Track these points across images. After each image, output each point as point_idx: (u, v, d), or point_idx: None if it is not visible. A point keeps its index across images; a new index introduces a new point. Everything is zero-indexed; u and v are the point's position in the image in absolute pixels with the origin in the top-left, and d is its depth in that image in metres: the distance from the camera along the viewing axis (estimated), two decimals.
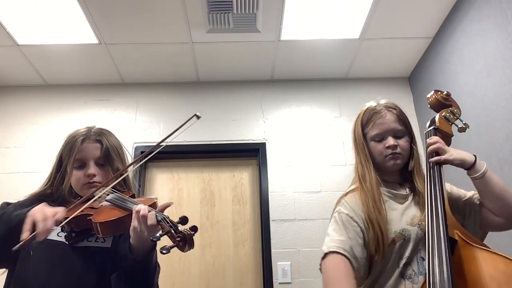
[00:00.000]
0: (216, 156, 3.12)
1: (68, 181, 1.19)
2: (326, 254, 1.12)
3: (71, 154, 1.19)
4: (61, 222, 0.98)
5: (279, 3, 2.50)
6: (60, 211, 0.98)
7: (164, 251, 0.87)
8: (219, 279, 2.77)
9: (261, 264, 2.78)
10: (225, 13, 2.54)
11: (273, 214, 2.85)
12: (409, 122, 1.29)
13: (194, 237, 0.94)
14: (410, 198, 1.23)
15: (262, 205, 2.89)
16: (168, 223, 0.96)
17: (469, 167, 1.14)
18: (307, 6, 2.52)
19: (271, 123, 3.17)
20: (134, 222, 0.98)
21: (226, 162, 3.13)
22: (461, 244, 1.04)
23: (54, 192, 1.21)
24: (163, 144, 1.18)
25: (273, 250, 2.73)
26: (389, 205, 1.20)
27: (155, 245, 1.04)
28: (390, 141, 1.22)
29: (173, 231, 0.93)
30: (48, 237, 1.09)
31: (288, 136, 3.12)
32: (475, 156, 1.16)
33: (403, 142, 1.24)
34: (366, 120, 1.28)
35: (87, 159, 1.20)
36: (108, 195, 1.14)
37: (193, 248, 0.93)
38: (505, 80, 2.07)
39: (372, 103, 1.32)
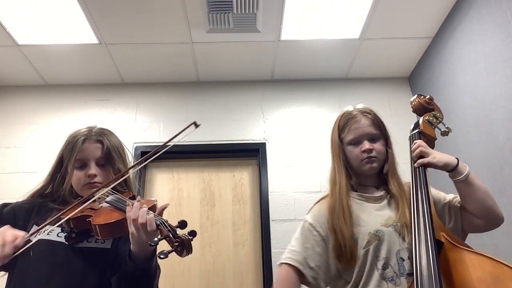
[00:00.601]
0: (216, 156, 3.12)
1: (68, 181, 1.18)
2: (280, 264, 1.22)
3: (72, 154, 1.19)
4: (21, 248, 0.96)
5: (279, 3, 2.50)
6: (20, 235, 0.96)
7: (162, 256, 0.87)
8: (219, 279, 2.77)
9: (261, 264, 2.78)
10: (225, 13, 2.54)
11: (273, 214, 2.85)
12: (384, 126, 1.32)
13: (192, 242, 0.93)
14: (385, 200, 1.25)
15: (262, 205, 2.89)
16: (166, 227, 0.94)
17: (452, 170, 1.16)
18: (307, 6, 2.52)
19: (271, 123, 3.17)
20: (131, 228, 0.97)
21: (226, 162, 3.13)
22: (448, 246, 1.05)
23: (54, 192, 1.21)
24: (161, 150, 1.18)
25: (273, 250, 2.73)
26: (362, 208, 1.22)
27: (155, 251, 1.03)
28: (366, 145, 1.25)
29: (171, 236, 0.92)
30: (48, 238, 1.09)
31: (288, 136, 3.12)
32: (457, 159, 1.17)
33: (378, 146, 1.27)
34: (342, 125, 1.32)
35: (88, 159, 1.20)
36: (108, 196, 1.13)
37: (191, 253, 0.92)
38: (505, 80, 2.07)
39: (348, 108, 1.35)
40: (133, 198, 1.16)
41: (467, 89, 2.42)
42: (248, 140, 3.10)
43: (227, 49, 2.93)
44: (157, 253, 0.90)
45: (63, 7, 2.46)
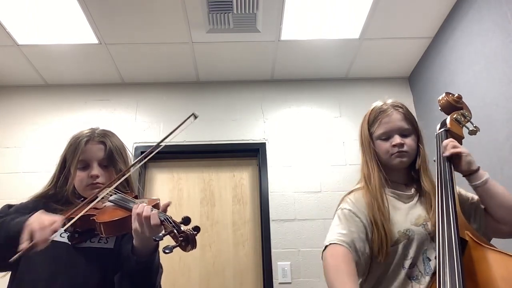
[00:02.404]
0: (216, 156, 3.12)
1: (71, 182, 1.19)
2: (326, 247, 1.12)
3: (75, 155, 1.20)
4: (58, 230, 0.97)
5: (279, 3, 2.50)
6: (58, 219, 0.97)
7: (167, 251, 0.88)
8: (219, 279, 2.77)
9: (261, 264, 2.78)
10: (225, 13, 2.54)
11: (273, 214, 2.85)
12: (416, 121, 1.29)
13: (196, 237, 0.94)
14: (416, 198, 1.23)
15: (262, 205, 2.89)
16: (171, 223, 0.96)
17: (472, 173, 1.15)
18: (307, 6, 2.52)
19: (271, 123, 3.17)
20: (135, 224, 0.98)
21: (226, 162, 3.13)
22: (472, 245, 1.03)
23: (57, 192, 1.21)
24: (163, 144, 1.19)
25: (273, 250, 2.73)
26: (393, 205, 1.20)
27: (157, 246, 1.04)
28: (397, 139, 1.22)
29: (175, 231, 0.93)
30: (51, 237, 1.10)
31: (288, 136, 3.12)
32: (478, 166, 1.17)
33: (409, 141, 1.24)
34: (372, 119, 1.29)
35: (91, 160, 1.21)
36: (111, 195, 1.14)
37: (195, 248, 0.93)
38: (505, 80, 2.07)
39: (378, 103, 1.32)
40: (135, 198, 1.17)
41: (467, 89, 2.42)
42: (248, 140, 3.10)
43: (227, 49, 2.93)
44: (162, 248, 0.91)
45: (63, 7, 2.46)
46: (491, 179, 1.15)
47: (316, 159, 3.02)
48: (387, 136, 1.25)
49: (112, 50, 2.89)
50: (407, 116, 1.27)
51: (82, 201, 1.14)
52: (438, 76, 2.80)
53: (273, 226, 2.81)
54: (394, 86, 3.30)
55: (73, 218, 1.03)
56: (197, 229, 0.95)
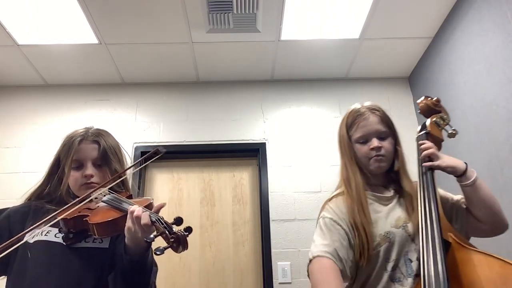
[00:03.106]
0: (216, 156, 3.12)
1: (65, 181, 1.19)
2: (311, 260, 1.13)
3: (69, 154, 1.19)
4: (13, 246, 0.94)
5: (279, 3, 2.49)
6: None
7: (158, 252, 0.87)
8: (219, 279, 2.77)
9: (261, 264, 2.78)
10: (225, 13, 2.54)
11: (273, 214, 2.85)
12: (392, 124, 1.29)
13: (188, 238, 0.93)
14: (395, 200, 1.23)
15: (262, 205, 2.89)
16: (162, 224, 0.95)
17: (460, 175, 1.15)
18: (307, 6, 2.52)
19: (271, 123, 3.17)
20: (129, 223, 0.98)
21: (226, 162, 3.13)
22: (456, 246, 1.04)
23: (51, 192, 1.21)
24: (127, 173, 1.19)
25: (273, 250, 2.73)
26: (373, 208, 1.21)
27: (150, 245, 1.04)
28: (375, 142, 1.23)
29: (167, 232, 0.93)
30: (46, 238, 1.10)
31: (288, 136, 3.12)
32: (466, 164, 1.16)
33: (387, 144, 1.25)
34: (350, 122, 1.29)
35: (85, 160, 1.20)
36: (105, 196, 1.14)
37: (187, 249, 0.93)
38: (505, 80, 2.07)
39: (356, 105, 1.33)
40: (130, 197, 1.17)
41: (467, 89, 2.42)
42: (248, 140, 3.10)
43: (227, 49, 2.93)
44: (153, 249, 0.91)
45: (63, 7, 2.46)
46: (479, 179, 1.15)
47: (316, 159, 3.02)
48: (365, 140, 1.25)
49: (112, 50, 2.89)
50: (384, 119, 1.27)
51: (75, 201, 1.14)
52: (438, 76, 2.80)
53: (273, 226, 2.81)
54: (394, 86, 3.30)
55: (62, 216, 1.03)
56: (189, 229, 0.95)
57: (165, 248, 0.89)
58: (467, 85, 2.42)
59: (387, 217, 1.18)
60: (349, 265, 1.12)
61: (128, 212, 0.99)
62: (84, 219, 1.05)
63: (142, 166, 1.18)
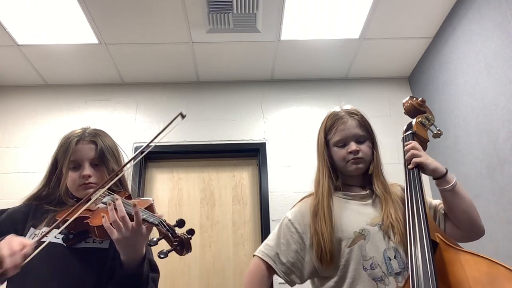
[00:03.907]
0: (216, 156, 3.12)
1: (64, 182, 1.18)
2: (253, 256, 1.23)
3: (66, 155, 1.19)
4: (30, 255, 0.93)
5: (279, 3, 2.50)
6: (28, 244, 0.93)
7: (161, 256, 0.87)
8: (219, 279, 2.77)
9: None
10: (225, 13, 2.54)
11: (273, 214, 2.85)
12: (371, 128, 1.31)
13: (191, 241, 0.93)
14: (371, 199, 1.25)
15: (262, 205, 2.89)
16: (165, 226, 0.94)
17: (440, 177, 1.16)
18: (307, 6, 2.52)
19: (271, 123, 3.17)
20: (113, 233, 0.96)
21: (226, 162, 3.13)
22: (443, 247, 1.05)
23: (50, 193, 1.21)
24: (153, 144, 1.18)
25: None
26: (347, 207, 1.23)
27: (144, 258, 1.03)
28: (352, 146, 1.25)
29: (170, 235, 0.92)
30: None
31: (288, 136, 3.12)
32: (446, 169, 1.17)
33: (364, 147, 1.26)
34: (329, 126, 1.31)
35: (82, 160, 1.19)
36: (104, 197, 1.13)
37: (190, 251, 0.93)
38: (505, 80, 2.07)
39: (335, 109, 1.35)
40: (129, 197, 1.16)
41: (467, 89, 2.42)
42: (248, 140, 3.10)
43: (227, 49, 2.93)
44: (157, 253, 0.90)
45: (63, 7, 2.46)
46: (459, 184, 1.16)
47: (316, 159, 3.02)
48: (343, 143, 1.27)
49: (112, 50, 2.89)
50: (362, 123, 1.29)
51: (76, 201, 1.14)
52: (438, 76, 2.80)
53: (273, 226, 2.80)
54: (394, 86, 3.30)
55: (68, 220, 1.02)
56: (191, 232, 0.94)
57: (169, 251, 0.89)
58: (467, 85, 2.42)
59: (362, 214, 1.20)
60: (298, 267, 1.20)
61: (105, 223, 0.97)
62: (85, 221, 1.04)
63: (164, 131, 1.15)
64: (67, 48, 2.84)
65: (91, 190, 1.16)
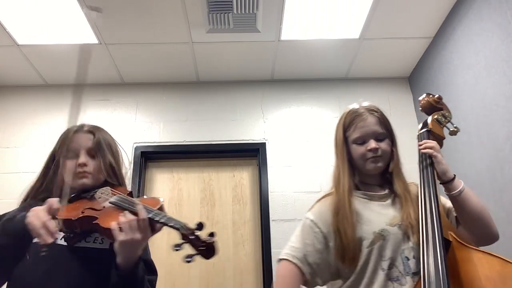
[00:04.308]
0: (216, 156, 3.12)
1: (61, 171, 1.19)
2: (279, 260, 1.20)
3: (63, 144, 1.21)
4: (57, 212, 0.97)
5: (279, 3, 2.50)
6: (53, 203, 0.98)
7: (189, 260, 0.88)
8: (219, 279, 2.77)
9: (261, 264, 2.78)
10: (225, 13, 2.54)
11: (273, 214, 2.85)
12: (390, 125, 1.29)
13: (214, 244, 0.93)
14: (390, 199, 1.23)
15: (262, 205, 2.89)
16: (188, 230, 0.93)
17: (448, 181, 1.15)
18: (307, 6, 2.52)
19: (271, 123, 3.17)
20: (121, 236, 0.96)
21: (226, 162, 3.13)
22: (456, 245, 1.04)
23: (46, 188, 1.21)
24: None
25: (273, 250, 2.73)
26: (366, 207, 1.21)
27: (139, 261, 1.03)
28: (372, 143, 1.22)
29: (195, 240, 0.92)
30: None
31: (288, 136, 3.11)
32: (454, 175, 1.17)
33: (384, 145, 1.24)
34: (348, 123, 1.29)
35: (79, 149, 1.20)
36: (107, 194, 1.12)
37: (217, 254, 0.93)
38: (505, 80, 2.07)
39: (354, 106, 1.32)
40: (130, 195, 1.15)
41: (467, 89, 2.42)
42: (248, 140, 3.10)
43: (227, 49, 2.93)
44: (182, 257, 0.90)
45: (63, 7, 2.46)
46: (467, 189, 1.14)
47: (316, 159, 3.02)
48: (362, 141, 1.24)
49: (112, 50, 2.89)
50: (382, 120, 1.27)
51: (73, 197, 1.13)
52: (438, 76, 2.80)
53: (273, 226, 2.81)
54: (394, 86, 3.30)
55: (71, 219, 1.01)
56: (213, 235, 0.94)
57: (194, 255, 0.90)
58: (467, 85, 2.42)
59: (381, 214, 1.18)
60: (322, 267, 1.17)
61: (127, 223, 0.97)
62: (93, 221, 1.02)
63: None
64: (67, 48, 2.84)
65: (85, 180, 1.16)
